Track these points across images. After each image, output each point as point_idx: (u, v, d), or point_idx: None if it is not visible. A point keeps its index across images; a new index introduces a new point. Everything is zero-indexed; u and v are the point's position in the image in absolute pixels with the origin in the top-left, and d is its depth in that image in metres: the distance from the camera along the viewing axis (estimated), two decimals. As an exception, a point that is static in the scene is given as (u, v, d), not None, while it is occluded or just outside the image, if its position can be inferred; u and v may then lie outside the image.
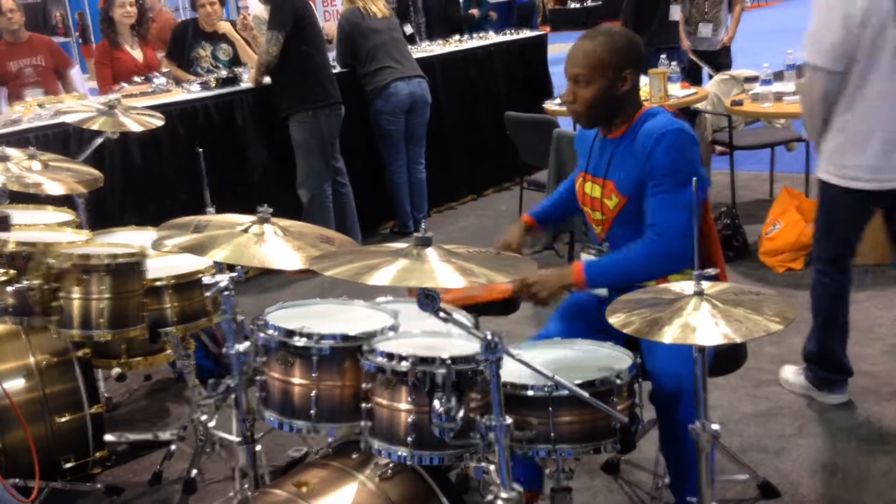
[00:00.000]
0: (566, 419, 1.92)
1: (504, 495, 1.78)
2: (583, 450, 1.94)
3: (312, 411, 1.97)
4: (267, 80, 5.07)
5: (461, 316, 2.11)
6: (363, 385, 1.92)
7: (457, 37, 7.10)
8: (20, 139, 4.10)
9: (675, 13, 6.61)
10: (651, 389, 2.26)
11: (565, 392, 1.87)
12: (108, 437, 3.14)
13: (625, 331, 1.80)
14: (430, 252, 1.80)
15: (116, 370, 3.39)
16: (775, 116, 5.65)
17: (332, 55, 5.57)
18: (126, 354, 2.98)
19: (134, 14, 5.44)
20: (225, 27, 5.52)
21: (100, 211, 4.27)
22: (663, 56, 5.73)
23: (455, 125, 6.37)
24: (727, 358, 2.49)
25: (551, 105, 5.46)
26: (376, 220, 5.97)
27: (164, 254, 2.78)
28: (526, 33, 7.30)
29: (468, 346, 1.93)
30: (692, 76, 6.68)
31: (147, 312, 2.67)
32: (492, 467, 1.81)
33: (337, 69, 5.52)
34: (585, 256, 2.46)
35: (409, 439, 1.85)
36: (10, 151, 3.16)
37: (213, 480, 3.04)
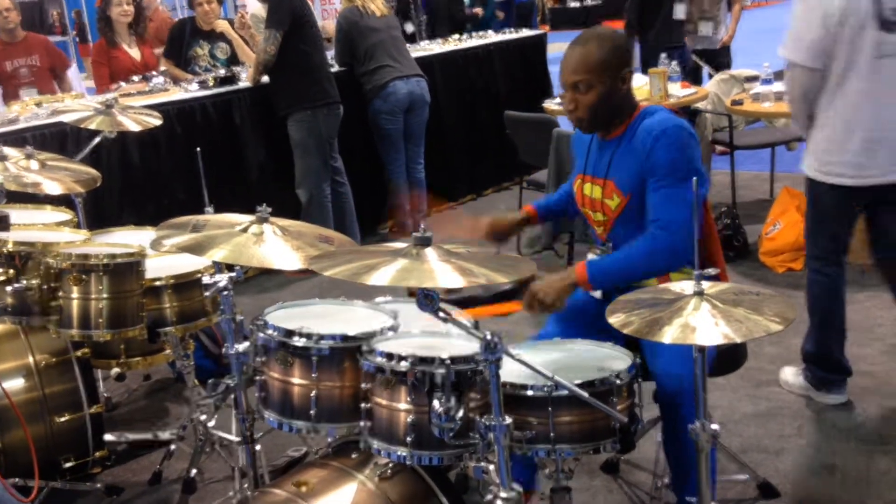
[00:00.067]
0: (566, 419, 1.92)
1: (503, 495, 1.78)
2: (582, 450, 1.95)
3: (312, 411, 1.97)
4: (265, 79, 5.07)
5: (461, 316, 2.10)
6: (363, 385, 1.92)
7: (456, 36, 7.10)
8: (17, 138, 4.08)
9: (680, 12, 6.61)
10: (655, 390, 2.26)
11: (565, 392, 1.88)
12: (108, 437, 3.14)
13: (624, 331, 1.80)
14: (430, 252, 1.80)
15: (116, 370, 3.38)
16: (776, 116, 5.64)
17: (330, 54, 5.57)
18: (125, 354, 2.98)
19: (131, 13, 5.44)
20: (222, 26, 5.52)
21: (98, 211, 4.25)
22: (663, 55, 5.72)
23: (454, 124, 6.37)
24: (727, 358, 2.49)
25: (551, 104, 5.46)
26: (375, 220, 5.97)
27: (162, 254, 2.78)
28: (525, 32, 7.31)
29: (468, 346, 1.93)
30: (692, 75, 6.68)
31: (146, 312, 2.67)
32: (491, 467, 1.81)
33: (335, 68, 5.51)
34: (591, 257, 2.45)
35: (409, 439, 1.85)
36: (7, 151, 3.15)
37: (212, 480, 3.04)
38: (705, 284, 1.86)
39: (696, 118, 5.72)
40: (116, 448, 3.28)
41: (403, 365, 1.83)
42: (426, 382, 1.82)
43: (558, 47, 2.55)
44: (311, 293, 4.47)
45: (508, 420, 1.77)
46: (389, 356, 1.86)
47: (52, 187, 3.04)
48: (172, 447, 3.11)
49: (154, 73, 5.45)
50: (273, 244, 2.10)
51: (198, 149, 2.56)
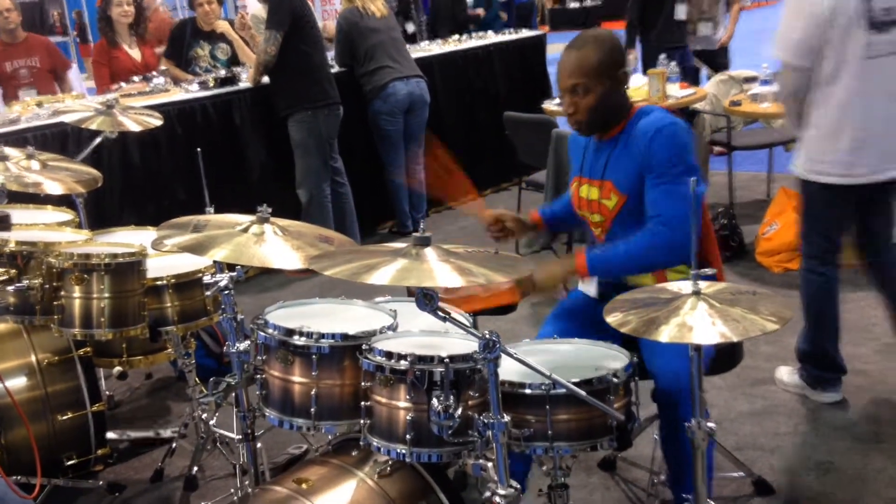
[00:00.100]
0: (563, 417, 1.94)
1: (501, 492, 1.79)
2: (580, 447, 1.96)
3: (312, 409, 1.99)
4: (265, 79, 5.08)
5: (459, 315, 2.13)
6: (362, 383, 1.94)
7: (455, 36, 7.11)
8: (18, 139, 4.11)
9: (681, 12, 6.63)
10: (653, 388, 2.28)
11: (562, 390, 1.89)
12: (110, 435, 3.17)
13: (622, 330, 1.82)
14: (429, 252, 1.82)
15: (117, 368, 3.40)
16: (774, 117, 5.66)
17: (330, 55, 5.58)
18: (127, 353, 3.01)
19: (131, 13, 5.45)
20: (223, 26, 5.53)
21: (99, 211, 4.28)
22: (662, 56, 5.74)
23: (454, 125, 6.38)
24: (724, 357, 2.51)
25: (550, 105, 5.47)
26: (375, 220, 5.98)
27: (163, 253, 2.80)
28: (525, 33, 7.32)
29: (466, 344, 1.95)
30: (692, 76, 6.70)
31: (147, 311, 2.69)
32: (489, 464, 1.82)
33: (335, 69, 5.53)
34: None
35: (408, 437, 1.86)
36: (8, 151, 3.17)
37: (214, 477, 3.06)
38: (702, 284, 1.88)
39: (694, 119, 5.73)
40: (118, 446, 3.31)
41: (403, 363, 1.85)
42: (425, 381, 1.83)
43: (558, 48, 2.57)
44: (311, 293, 4.48)
45: (507, 418, 1.79)
46: (389, 355, 1.88)
47: (54, 187, 3.06)
48: (174, 445, 3.14)
49: (154, 73, 5.46)
50: (273, 244, 2.12)
51: (198, 149, 2.58)
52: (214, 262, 2.33)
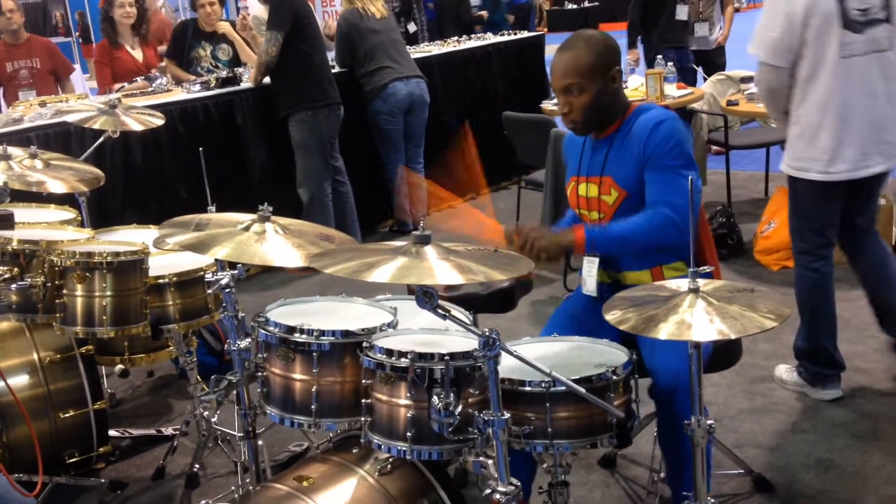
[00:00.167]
0: (563, 414, 1.95)
1: (502, 489, 1.80)
2: (580, 445, 1.97)
3: (313, 407, 2.00)
4: (266, 80, 5.10)
5: (459, 313, 2.14)
6: (363, 381, 1.94)
7: (455, 37, 7.13)
8: (22, 138, 4.12)
9: (682, 13, 6.65)
10: (651, 385, 2.29)
11: (562, 388, 1.90)
12: (112, 433, 3.17)
13: (621, 328, 1.83)
14: (429, 250, 1.83)
15: (119, 366, 3.42)
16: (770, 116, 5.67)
17: (331, 55, 5.60)
18: (129, 351, 3.02)
19: (133, 14, 5.47)
20: (224, 27, 5.55)
21: (101, 210, 4.29)
22: (659, 56, 5.76)
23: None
24: (723, 354, 2.52)
25: (548, 105, 5.49)
26: (375, 219, 5.99)
27: (165, 252, 2.81)
28: (524, 34, 7.33)
29: (467, 342, 1.96)
30: (690, 76, 6.71)
31: (149, 310, 2.70)
32: (490, 462, 1.83)
33: (336, 69, 5.54)
34: (587, 258, 2.46)
35: (409, 434, 1.87)
36: (11, 150, 3.18)
37: (215, 475, 3.08)
38: (701, 282, 1.89)
39: (691, 118, 5.74)
40: (120, 444, 3.31)
41: (403, 361, 1.85)
42: (426, 378, 1.84)
43: (555, 49, 2.58)
44: (312, 290, 4.49)
45: (507, 415, 1.79)
46: (389, 352, 1.89)
47: (57, 186, 3.07)
48: (175, 443, 3.14)
49: (154, 71, 5.48)
50: (274, 242, 2.13)
51: (200, 149, 2.60)
52: (216, 260, 2.35)
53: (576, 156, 2.55)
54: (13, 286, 2.59)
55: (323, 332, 1.99)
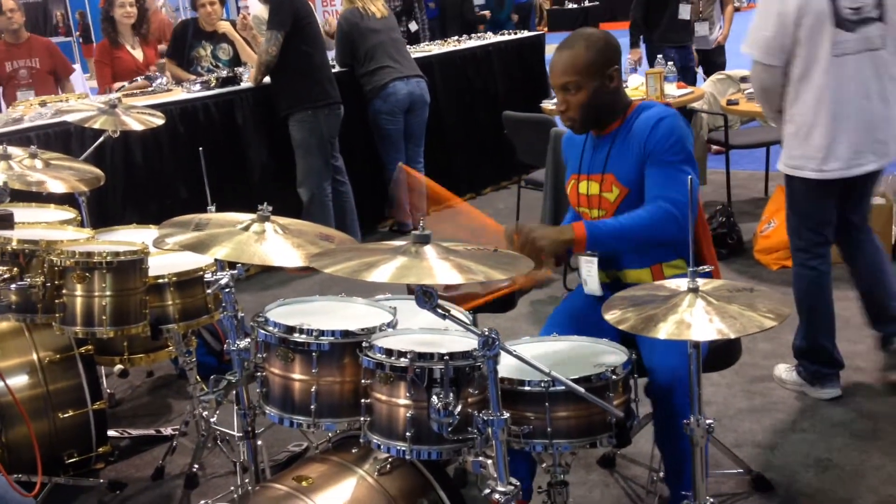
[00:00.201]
0: (562, 414, 1.95)
1: (501, 489, 1.80)
2: (579, 444, 1.98)
3: (312, 407, 2.00)
4: (267, 79, 5.10)
5: (459, 313, 2.14)
6: (362, 381, 1.94)
7: (455, 37, 7.13)
8: (22, 138, 4.12)
9: (685, 12, 6.65)
10: (647, 383, 2.29)
11: (562, 387, 1.90)
12: (111, 433, 3.17)
13: (620, 327, 1.83)
14: (429, 249, 1.83)
15: (119, 367, 3.41)
16: (771, 115, 5.67)
17: (331, 54, 5.60)
18: (128, 351, 3.02)
19: (134, 14, 5.47)
20: (225, 27, 5.55)
21: (101, 209, 4.29)
22: (660, 56, 5.76)
23: (454, 124, 6.40)
24: (722, 354, 2.52)
25: (549, 104, 5.49)
26: (375, 219, 5.99)
27: (165, 252, 2.81)
28: (524, 33, 7.34)
29: (466, 342, 1.96)
30: (691, 76, 6.71)
31: (149, 309, 2.70)
32: (489, 461, 1.83)
33: (336, 69, 5.54)
34: (585, 259, 2.46)
35: (408, 434, 1.87)
36: (11, 150, 3.18)
37: (214, 475, 3.08)
38: (700, 281, 1.89)
39: (692, 118, 5.74)
40: (119, 444, 3.32)
41: (403, 361, 1.85)
42: (425, 378, 1.84)
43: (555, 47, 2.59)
44: (311, 290, 4.49)
45: (506, 415, 1.79)
46: (389, 352, 1.89)
47: (57, 186, 3.07)
48: (175, 443, 3.15)
49: (153, 69, 5.48)
50: (274, 242, 2.13)
51: (200, 148, 2.60)
52: (216, 260, 2.34)
53: (576, 154, 2.55)
54: (13, 286, 2.59)
55: (322, 332, 1.99)
